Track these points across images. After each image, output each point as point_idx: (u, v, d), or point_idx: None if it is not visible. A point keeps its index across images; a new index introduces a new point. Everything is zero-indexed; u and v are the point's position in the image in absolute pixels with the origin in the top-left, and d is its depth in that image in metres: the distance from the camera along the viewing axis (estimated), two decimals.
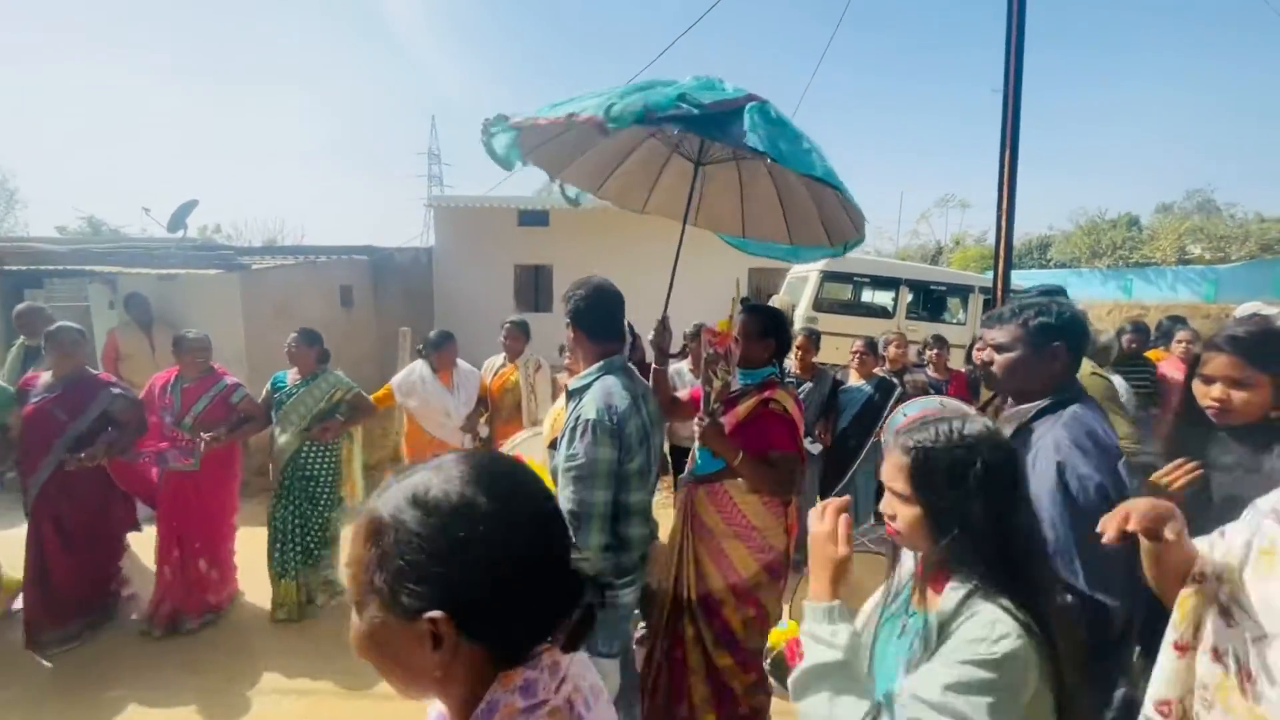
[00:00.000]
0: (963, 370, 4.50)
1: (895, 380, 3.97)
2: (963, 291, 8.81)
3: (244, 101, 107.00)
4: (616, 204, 2.81)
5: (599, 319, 1.81)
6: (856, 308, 9.05)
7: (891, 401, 3.71)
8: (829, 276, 8.40)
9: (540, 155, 2.39)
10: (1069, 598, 1.25)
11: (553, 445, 1.77)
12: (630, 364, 1.85)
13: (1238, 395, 1.40)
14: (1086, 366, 2.49)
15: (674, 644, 2.19)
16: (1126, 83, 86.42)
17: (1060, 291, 3.90)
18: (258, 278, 6.24)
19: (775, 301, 8.52)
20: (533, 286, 10.63)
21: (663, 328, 2.29)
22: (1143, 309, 15.77)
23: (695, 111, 1.75)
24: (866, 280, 8.95)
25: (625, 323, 1.90)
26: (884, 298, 9.05)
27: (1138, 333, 4.32)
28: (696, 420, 2.09)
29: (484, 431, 3.93)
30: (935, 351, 4.35)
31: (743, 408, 2.11)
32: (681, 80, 2.01)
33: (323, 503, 3.49)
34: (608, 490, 1.60)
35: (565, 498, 1.62)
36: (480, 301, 9.60)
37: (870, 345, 4.00)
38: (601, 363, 1.74)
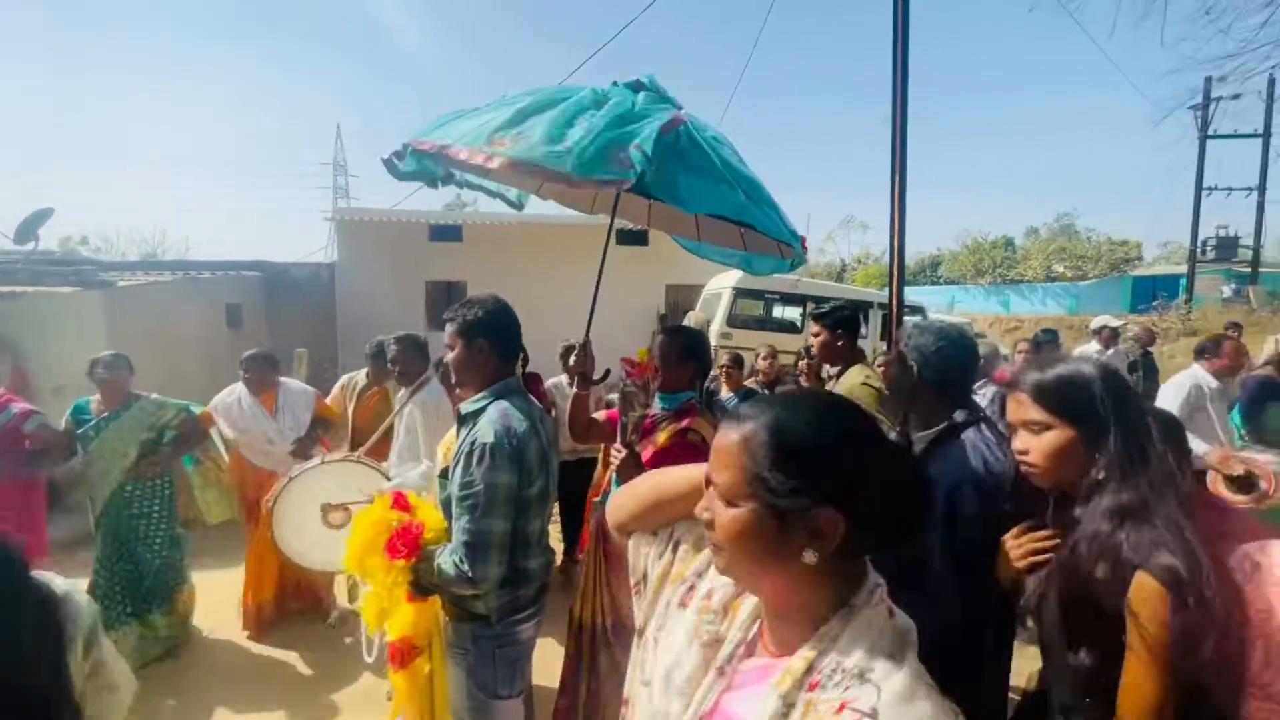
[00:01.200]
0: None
1: (765, 391, 4.15)
2: (864, 307, 9.36)
3: (115, 99, 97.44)
4: (560, 203, 2.66)
5: (508, 337, 1.71)
6: (768, 323, 9.38)
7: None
8: (741, 293, 8.65)
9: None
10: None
11: (444, 474, 1.64)
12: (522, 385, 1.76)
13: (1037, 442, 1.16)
14: (858, 376, 2.57)
15: (589, 673, 2.11)
16: (1006, 104, 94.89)
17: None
18: (126, 296, 5.63)
19: (690, 317, 8.68)
20: (445, 303, 10.26)
21: (584, 352, 2.21)
22: (1019, 322, 17.48)
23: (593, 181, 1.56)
24: (777, 297, 9.30)
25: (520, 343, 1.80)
26: (793, 313, 9.44)
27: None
28: (614, 450, 2.03)
29: (319, 457, 3.53)
30: (806, 362, 4.55)
31: (662, 435, 2.08)
32: (586, 90, 1.89)
33: (158, 544, 3.13)
34: (506, 519, 1.51)
35: (460, 528, 1.51)
36: (388, 320, 9.09)
37: (736, 360, 4.14)
38: (496, 385, 1.65)
